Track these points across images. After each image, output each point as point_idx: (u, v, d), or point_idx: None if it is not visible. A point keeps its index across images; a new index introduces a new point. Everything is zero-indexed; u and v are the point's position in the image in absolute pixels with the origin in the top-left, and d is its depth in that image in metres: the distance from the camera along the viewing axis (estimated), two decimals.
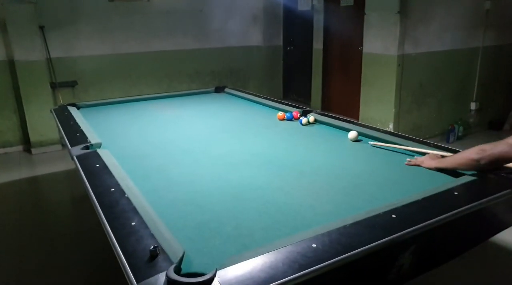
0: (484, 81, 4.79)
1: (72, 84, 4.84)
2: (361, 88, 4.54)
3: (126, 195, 1.52)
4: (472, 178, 1.60)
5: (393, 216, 1.30)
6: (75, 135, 2.37)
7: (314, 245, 1.13)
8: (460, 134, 4.62)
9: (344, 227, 1.24)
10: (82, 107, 3.33)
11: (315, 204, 1.56)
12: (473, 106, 4.79)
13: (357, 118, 4.58)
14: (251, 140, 2.42)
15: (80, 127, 2.54)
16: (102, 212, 1.38)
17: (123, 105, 3.49)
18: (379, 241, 1.15)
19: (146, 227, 1.28)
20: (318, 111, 2.95)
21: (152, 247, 1.12)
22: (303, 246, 1.14)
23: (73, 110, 3.08)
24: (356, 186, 1.71)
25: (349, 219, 1.29)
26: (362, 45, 4.48)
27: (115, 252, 1.15)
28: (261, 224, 1.41)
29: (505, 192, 1.47)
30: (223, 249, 1.25)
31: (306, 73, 6.05)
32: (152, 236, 1.22)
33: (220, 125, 2.78)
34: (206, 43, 5.68)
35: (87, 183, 1.65)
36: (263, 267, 1.05)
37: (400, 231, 1.20)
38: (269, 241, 1.24)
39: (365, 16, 4.33)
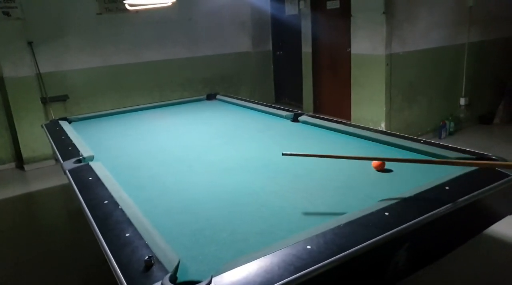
0: (472, 76, 4.84)
1: (63, 98, 4.82)
2: (352, 89, 4.57)
3: (119, 207, 1.51)
4: (463, 172, 1.61)
5: (386, 213, 1.31)
6: (67, 149, 2.36)
7: (309, 247, 1.14)
8: (451, 129, 4.66)
9: (338, 227, 1.25)
10: (74, 120, 3.32)
11: (310, 206, 1.57)
12: (462, 101, 4.84)
13: (349, 119, 4.60)
14: (245, 145, 2.43)
15: (72, 140, 2.54)
16: (96, 224, 1.38)
17: (115, 116, 3.49)
18: (373, 240, 1.16)
19: (141, 237, 1.27)
20: (310, 113, 2.96)
21: (147, 257, 1.12)
22: (298, 249, 1.14)
23: (64, 124, 3.07)
24: (350, 186, 1.72)
25: (343, 219, 1.30)
26: (350, 47, 4.52)
27: (109, 264, 1.15)
28: (256, 229, 1.42)
29: (495, 184, 1.49)
30: (219, 255, 1.25)
31: (297, 76, 6.08)
32: (147, 246, 1.22)
33: (213, 132, 2.78)
34: (196, 51, 5.70)
35: (80, 196, 1.65)
36: (258, 271, 1.05)
37: (394, 229, 1.21)
38: (265, 245, 1.24)
39: (352, 18, 4.37)
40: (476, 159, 1.77)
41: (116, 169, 2.08)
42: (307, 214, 1.50)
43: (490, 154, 1.77)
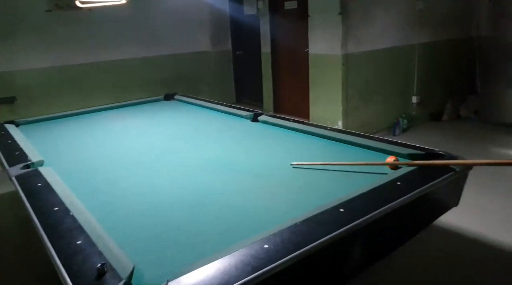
0: (423, 76, 5.08)
1: (10, 100, 4.54)
2: (310, 88, 4.66)
3: (71, 213, 1.45)
4: (413, 167, 1.69)
5: (341, 210, 1.34)
6: (14, 154, 2.23)
7: (266, 246, 1.14)
8: (404, 126, 4.87)
9: (295, 225, 1.26)
10: (22, 124, 3.14)
11: (271, 205, 1.58)
12: (414, 99, 5.07)
13: (308, 118, 4.69)
14: (205, 146, 2.41)
15: (19, 145, 2.39)
16: (45, 233, 1.31)
17: (69, 119, 3.34)
18: (329, 236, 1.18)
19: (93, 244, 1.23)
20: (269, 113, 2.99)
21: (99, 264, 1.08)
22: (256, 248, 1.14)
23: (11, 128, 2.90)
24: (309, 184, 1.75)
25: (300, 217, 1.31)
26: (308, 47, 4.60)
27: (59, 274, 1.09)
28: (217, 230, 1.41)
29: (442, 178, 1.57)
30: (177, 259, 1.23)
31: (257, 76, 6.10)
32: (100, 253, 1.17)
33: (172, 133, 2.74)
34: (154, 51, 5.57)
35: (27, 204, 1.56)
36: (216, 273, 1.04)
37: (348, 224, 1.24)
38: (225, 246, 1.23)
39: (309, 18, 4.45)
40: (425, 154, 1.85)
41: (69, 174, 1.99)
42: (267, 213, 1.51)
43: (438, 150, 1.87)
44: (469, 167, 1.69)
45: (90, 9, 4.75)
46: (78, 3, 2.82)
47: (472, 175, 1.74)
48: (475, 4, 5.36)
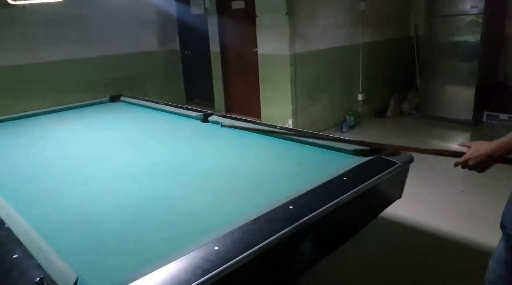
0: (367, 74, 5.30)
1: None
2: (260, 88, 4.70)
3: (6, 225, 1.35)
4: (358, 163, 1.75)
5: (291, 207, 1.36)
6: None
7: (216, 248, 1.13)
8: (351, 123, 5.06)
9: (246, 224, 1.26)
10: None
11: (220, 206, 1.56)
12: (360, 97, 5.28)
13: (260, 117, 4.72)
14: (152, 149, 2.34)
15: None
16: None
17: (2, 125, 3.10)
18: (279, 234, 1.19)
19: (32, 257, 1.15)
20: (220, 113, 2.97)
21: (38, 278, 1.01)
22: (206, 251, 1.13)
23: None
24: (258, 183, 1.76)
25: (250, 216, 1.32)
26: (256, 47, 4.63)
27: None
28: (164, 235, 1.37)
29: (385, 172, 1.64)
30: (123, 267, 1.18)
31: (207, 76, 6.05)
32: (39, 266, 1.10)
33: (117, 137, 2.63)
34: (98, 51, 5.33)
35: None
36: (164, 279, 1.02)
37: (298, 221, 1.26)
38: (174, 251, 1.20)
39: (257, 18, 4.48)
40: (370, 150, 1.93)
41: (3, 184, 1.86)
42: (216, 214, 1.49)
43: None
44: (411, 160, 1.78)
45: (24, 7, 4.44)
46: (9, 0, 2.62)
47: (410, 169, 1.83)
48: (412, 5, 5.70)
